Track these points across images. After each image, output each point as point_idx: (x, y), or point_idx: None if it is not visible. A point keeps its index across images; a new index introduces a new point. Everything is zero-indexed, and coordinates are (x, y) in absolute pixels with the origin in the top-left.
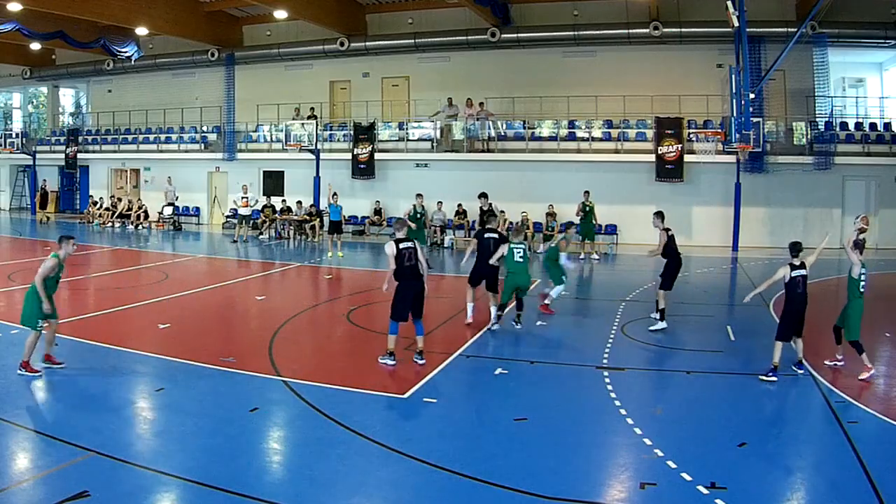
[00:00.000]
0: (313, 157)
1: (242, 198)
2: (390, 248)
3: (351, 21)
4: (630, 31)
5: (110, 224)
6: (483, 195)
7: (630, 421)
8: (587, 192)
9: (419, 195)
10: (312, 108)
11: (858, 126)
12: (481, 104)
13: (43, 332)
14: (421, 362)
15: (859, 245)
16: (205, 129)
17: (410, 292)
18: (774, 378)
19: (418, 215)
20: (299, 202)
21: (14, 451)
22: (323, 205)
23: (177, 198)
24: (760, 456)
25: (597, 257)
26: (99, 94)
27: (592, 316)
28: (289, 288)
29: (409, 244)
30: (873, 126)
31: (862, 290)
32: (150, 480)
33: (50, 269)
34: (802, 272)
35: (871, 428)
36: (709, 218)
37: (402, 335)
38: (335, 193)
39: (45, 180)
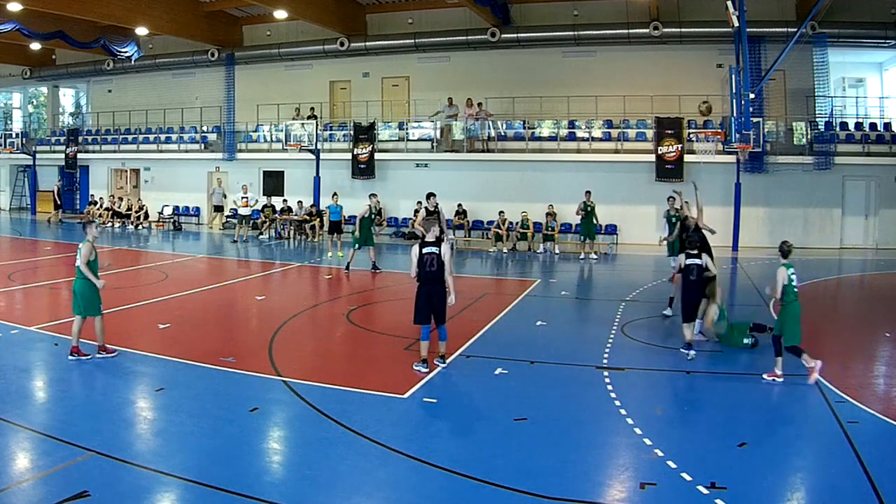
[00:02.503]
0: (313, 157)
1: (242, 198)
2: (413, 251)
3: (351, 21)
4: (630, 31)
5: (110, 224)
6: (430, 195)
7: (630, 421)
8: (588, 192)
9: (373, 195)
10: (312, 108)
11: (858, 126)
12: (480, 104)
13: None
14: (442, 365)
15: (784, 251)
16: (205, 129)
17: (426, 297)
18: (693, 352)
19: (373, 216)
20: (300, 202)
21: (14, 451)
22: (323, 205)
23: (224, 196)
24: (760, 456)
25: (595, 257)
26: (99, 94)
27: (592, 316)
28: (289, 288)
29: (434, 249)
30: (873, 126)
31: (795, 291)
32: (150, 480)
33: (88, 252)
34: (697, 261)
35: (871, 428)
36: (708, 218)
37: (405, 335)
38: (335, 193)
39: (59, 181)
